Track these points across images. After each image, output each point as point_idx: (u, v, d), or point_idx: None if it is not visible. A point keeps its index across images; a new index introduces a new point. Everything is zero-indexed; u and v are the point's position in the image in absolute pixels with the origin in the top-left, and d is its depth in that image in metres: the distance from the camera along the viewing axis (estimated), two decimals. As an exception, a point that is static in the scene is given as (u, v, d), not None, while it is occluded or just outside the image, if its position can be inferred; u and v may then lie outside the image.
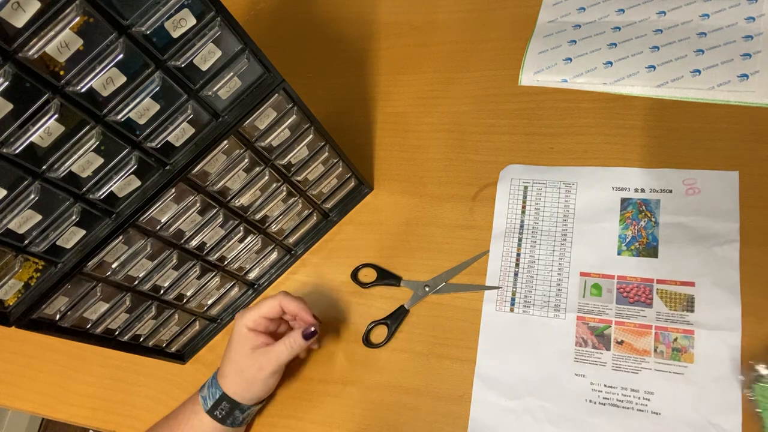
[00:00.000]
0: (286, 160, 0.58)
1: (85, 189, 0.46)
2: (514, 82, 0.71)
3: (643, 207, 0.59)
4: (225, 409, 0.56)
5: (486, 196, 0.66)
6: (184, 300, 0.63)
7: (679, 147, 0.61)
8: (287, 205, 0.64)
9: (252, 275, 0.68)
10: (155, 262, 0.56)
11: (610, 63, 0.67)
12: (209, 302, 0.66)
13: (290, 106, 0.54)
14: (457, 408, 0.57)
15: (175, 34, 0.42)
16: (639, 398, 0.53)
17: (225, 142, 0.51)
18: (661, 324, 0.54)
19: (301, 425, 0.61)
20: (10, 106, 0.37)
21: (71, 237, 0.47)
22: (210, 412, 0.56)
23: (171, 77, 0.44)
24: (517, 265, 0.62)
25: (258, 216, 0.62)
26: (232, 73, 0.47)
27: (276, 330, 0.61)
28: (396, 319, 0.62)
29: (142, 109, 0.44)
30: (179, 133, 0.47)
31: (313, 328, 0.57)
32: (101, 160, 0.45)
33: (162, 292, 0.59)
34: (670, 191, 0.59)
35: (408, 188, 0.70)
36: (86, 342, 0.56)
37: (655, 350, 0.54)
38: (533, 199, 0.64)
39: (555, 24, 0.73)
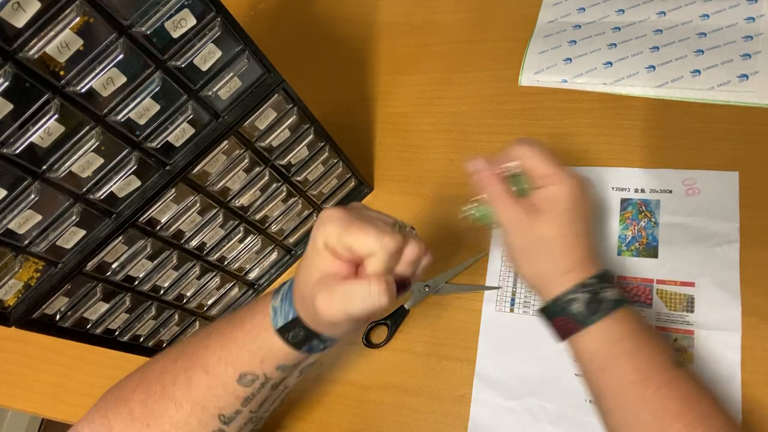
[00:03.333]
0: (286, 160, 0.58)
1: (85, 189, 0.46)
2: (514, 82, 0.71)
3: (643, 207, 0.59)
4: (299, 335, 0.43)
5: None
6: (184, 300, 0.63)
7: (679, 147, 0.61)
8: (287, 206, 0.64)
9: (252, 275, 0.68)
10: (155, 262, 0.56)
11: (610, 63, 0.67)
12: (209, 302, 0.66)
13: (290, 106, 0.54)
14: (457, 408, 0.57)
15: (175, 35, 0.42)
16: (639, 398, 0.53)
17: (225, 142, 0.51)
18: (661, 324, 0.54)
19: (301, 425, 0.61)
20: (10, 106, 0.37)
21: (71, 237, 0.47)
22: (281, 333, 0.43)
23: (171, 77, 0.44)
24: (517, 265, 0.62)
25: (258, 216, 0.62)
26: (232, 74, 0.47)
27: None
28: (396, 319, 0.62)
29: (142, 109, 0.44)
30: (179, 133, 0.47)
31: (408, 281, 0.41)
32: (101, 160, 0.45)
33: (162, 292, 0.59)
34: (670, 191, 0.59)
35: (408, 188, 0.70)
36: (86, 342, 0.56)
37: (655, 350, 0.54)
38: (533, 199, 0.64)
39: (555, 24, 0.73)
